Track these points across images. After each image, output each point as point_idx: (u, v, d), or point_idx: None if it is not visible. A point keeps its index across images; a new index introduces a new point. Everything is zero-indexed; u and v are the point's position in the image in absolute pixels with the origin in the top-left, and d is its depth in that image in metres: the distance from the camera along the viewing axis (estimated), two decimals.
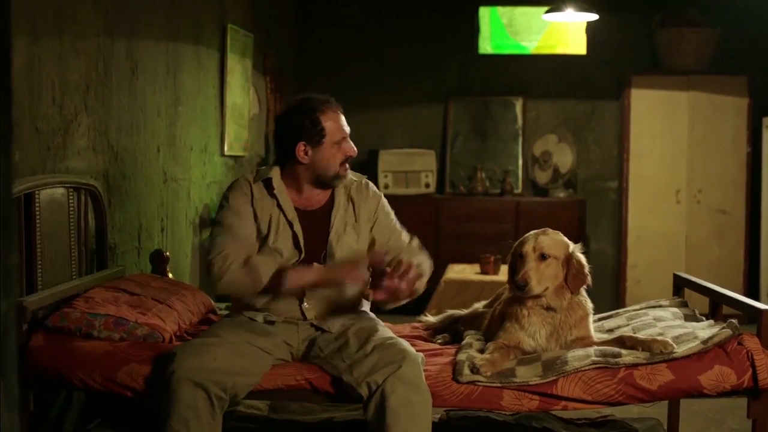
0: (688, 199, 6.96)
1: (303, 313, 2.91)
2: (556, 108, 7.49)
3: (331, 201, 2.99)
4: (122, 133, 3.97)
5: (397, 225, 3.07)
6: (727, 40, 6.97)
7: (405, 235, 3.06)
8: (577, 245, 2.95)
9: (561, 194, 7.29)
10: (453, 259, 6.52)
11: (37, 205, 3.03)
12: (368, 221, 3.01)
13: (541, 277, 2.81)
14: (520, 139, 7.47)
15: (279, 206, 2.92)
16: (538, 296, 2.83)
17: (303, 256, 2.90)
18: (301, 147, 2.90)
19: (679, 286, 3.61)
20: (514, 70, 7.46)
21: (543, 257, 2.83)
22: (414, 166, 7.24)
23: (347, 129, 2.96)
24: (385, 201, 3.08)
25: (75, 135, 3.50)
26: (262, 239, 2.90)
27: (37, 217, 3.03)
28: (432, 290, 5.71)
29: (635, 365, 2.70)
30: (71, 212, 3.33)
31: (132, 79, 4.07)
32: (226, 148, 5.48)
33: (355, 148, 2.96)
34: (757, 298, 6.14)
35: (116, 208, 3.90)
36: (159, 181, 4.44)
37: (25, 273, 2.96)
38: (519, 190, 7.38)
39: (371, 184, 3.08)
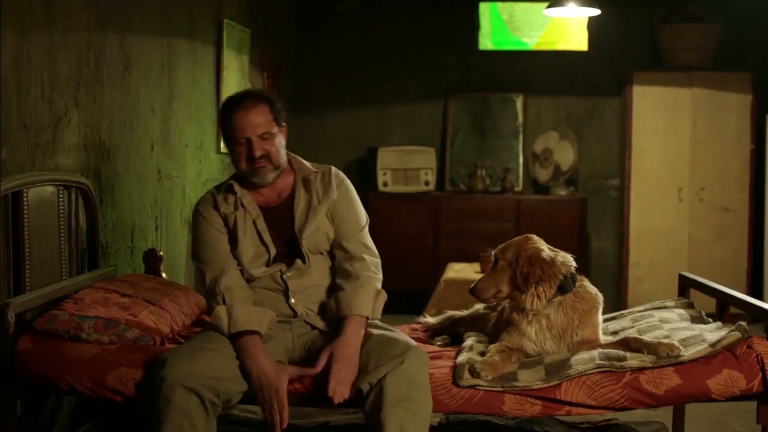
0: (691, 197, 6.88)
1: (293, 309, 2.84)
2: (557, 105, 7.42)
3: (293, 194, 2.93)
4: (114, 129, 3.88)
5: (353, 212, 2.94)
6: (730, 35, 6.90)
7: (357, 225, 2.93)
8: (560, 252, 2.85)
9: (562, 192, 7.21)
10: (453, 258, 6.45)
11: (25, 203, 2.94)
12: (329, 203, 2.91)
13: (489, 284, 2.84)
14: (521, 137, 7.39)
15: (243, 207, 2.88)
16: (486, 300, 2.91)
17: (274, 252, 2.84)
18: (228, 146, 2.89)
19: (685, 286, 3.53)
20: (514, 67, 7.39)
21: (496, 261, 2.85)
22: (413, 164, 7.17)
23: (254, 129, 2.82)
24: (348, 185, 2.98)
25: (65, 131, 3.42)
26: (233, 243, 2.86)
27: (25, 216, 2.94)
28: (431, 290, 5.64)
29: (641, 369, 2.62)
30: (61, 211, 3.24)
31: (125, 74, 3.98)
32: (222, 145, 5.39)
33: (258, 152, 2.80)
34: (760, 297, 6.06)
35: (108, 207, 3.82)
36: (153, 178, 4.36)
37: (13, 273, 2.87)
38: (520, 188, 7.31)
39: (336, 170, 3.00)
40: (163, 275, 3.88)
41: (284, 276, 2.83)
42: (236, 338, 2.69)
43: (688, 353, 2.64)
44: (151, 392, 2.58)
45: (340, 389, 2.60)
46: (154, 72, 4.35)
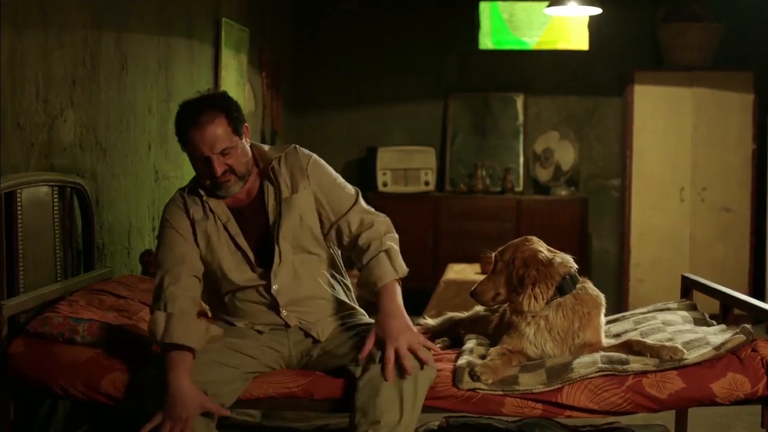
0: (692, 197, 6.84)
1: (285, 321, 2.74)
2: (557, 104, 7.38)
3: (261, 187, 2.77)
4: (111, 129, 3.84)
5: (336, 186, 2.80)
6: (732, 34, 6.85)
7: (348, 197, 2.78)
8: (559, 254, 2.80)
9: (563, 192, 7.18)
10: (453, 259, 6.41)
11: (19, 204, 2.90)
12: (304, 188, 2.74)
13: (489, 286, 2.81)
14: (521, 136, 7.35)
15: (211, 211, 2.73)
16: (486, 303, 2.87)
17: (252, 256, 2.71)
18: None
19: (688, 287, 3.48)
20: (515, 66, 7.35)
21: (495, 263, 2.81)
22: (413, 164, 7.13)
23: (212, 146, 2.62)
24: (317, 160, 2.80)
25: (60, 131, 3.37)
26: (211, 253, 2.72)
27: (19, 216, 2.90)
28: (431, 291, 5.60)
29: (644, 372, 2.58)
30: (56, 211, 3.20)
31: (121, 73, 3.94)
32: None
33: (219, 170, 2.62)
34: (762, 298, 6.02)
35: (105, 207, 3.77)
36: (150, 179, 4.32)
37: (6, 275, 2.82)
38: (520, 188, 7.27)
39: (299, 148, 2.80)
40: None
41: (272, 291, 2.70)
42: (167, 350, 2.54)
43: (691, 356, 2.60)
44: (144, 403, 2.54)
45: (408, 361, 2.49)
46: (152, 71, 4.31)
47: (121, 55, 3.92)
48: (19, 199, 2.90)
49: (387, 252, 2.69)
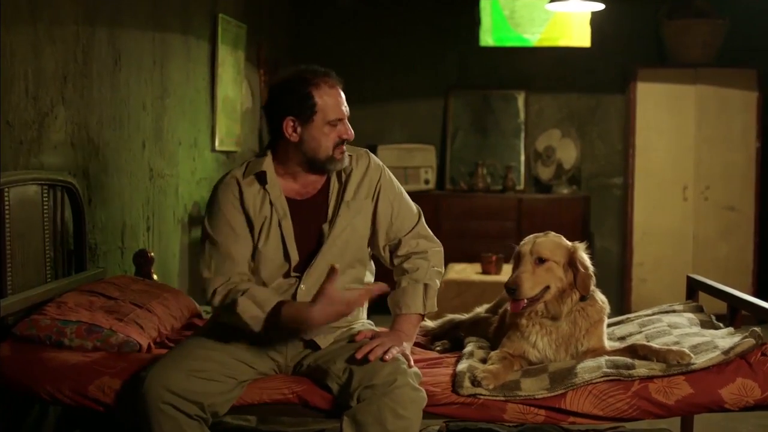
0: (696, 196, 6.77)
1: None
2: (559, 102, 7.31)
3: (328, 183, 2.68)
4: (104, 126, 3.76)
5: (404, 203, 2.75)
6: (736, 31, 6.77)
7: (411, 217, 2.76)
8: (581, 243, 2.74)
9: (564, 191, 7.11)
10: (453, 259, 6.31)
11: (7, 203, 2.83)
12: (368, 197, 2.69)
13: (536, 282, 2.63)
14: (523, 134, 7.28)
15: (271, 203, 2.62)
16: (534, 301, 2.64)
17: (296, 261, 2.61)
18: (288, 123, 2.56)
19: (693, 288, 3.40)
20: (516, 63, 7.28)
21: (540, 261, 2.66)
22: (413, 162, 7.06)
23: (345, 108, 2.60)
24: (387, 174, 2.74)
25: (51, 128, 3.29)
26: (255, 245, 2.61)
27: (7, 216, 2.83)
28: None
29: (650, 378, 2.50)
30: (45, 211, 3.12)
31: (114, 69, 3.86)
32: (217, 143, 5.28)
33: (352, 131, 2.61)
34: (766, 298, 5.94)
35: (98, 206, 3.69)
36: (144, 177, 4.24)
37: None
38: (521, 187, 7.20)
39: (372, 155, 2.74)
40: (154, 277, 3.76)
41: (298, 289, 2.60)
42: (274, 315, 2.46)
43: (699, 361, 2.52)
44: (135, 409, 2.46)
45: (379, 349, 2.46)
46: (146, 67, 4.22)
47: (115, 51, 3.84)
48: (6, 198, 2.82)
49: (426, 286, 2.70)
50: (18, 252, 2.89)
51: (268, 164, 2.63)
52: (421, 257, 2.73)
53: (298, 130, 2.57)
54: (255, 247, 2.61)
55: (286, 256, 2.62)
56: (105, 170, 3.77)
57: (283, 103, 2.58)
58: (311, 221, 2.64)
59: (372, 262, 2.84)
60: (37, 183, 3.07)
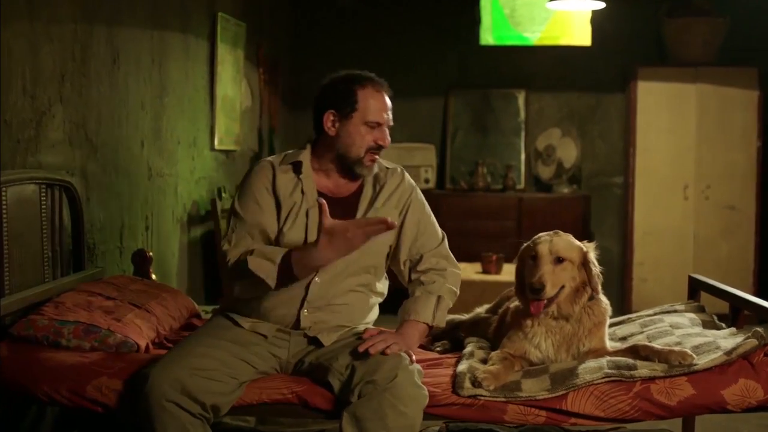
0: (696, 195, 6.74)
1: (299, 320, 2.63)
2: (559, 101, 7.28)
3: (360, 188, 2.73)
4: (102, 125, 3.74)
5: (430, 224, 2.81)
6: (737, 30, 6.75)
7: (436, 238, 2.81)
8: (591, 244, 2.74)
9: (565, 190, 7.09)
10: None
11: (4, 202, 2.81)
12: (396, 208, 2.74)
13: (556, 281, 2.61)
14: (523, 133, 7.26)
15: (302, 191, 2.66)
16: (551, 302, 2.62)
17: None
18: (329, 116, 2.64)
19: (695, 288, 3.38)
20: (516, 62, 7.25)
21: (559, 260, 2.63)
22: (413, 161, 7.03)
23: (386, 116, 2.66)
24: (419, 193, 2.82)
25: (48, 127, 3.27)
26: (280, 228, 2.65)
27: (5, 215, 2.81)
28: None
29: (652, 378, 2.48)
30: (43, 210, 3.10)
31: (113, 68, 3.84)
32: (216, 142, 5.26)
33: (389, 139, 2.68)
34: (767, 297, 5.92)
35: (96, 205, 3.68)
36: (143, 176, 4.22)
37: None
38: (521, 186, 7.18)
39: (406, 174, 2.82)
40: (153, 277, 3.74)
41: (312, 282, 2.61)
42: (284, 266, 2.47)
43: (701, 362, 2.50)
44: (137, 408, 2.44)
45: (381, 344, 2.47)
46: (145, 66, 4.20)
47: (113, 50, 3.82)
48: (4, 198, 2.81)
49: (439, 298, 2.70)
50: (15, 252, 2.87)
51: (305, 156, 2.71)
52: (438, 274, 2.76)
53: (337, 124, 2.65)
54: (280, 230, 2.64)
55: (306, 238, 2.63)
56: (103, 169, 3.76)
57: (328, 98, 2.67)
58: (337, 218, 2.61)
59: (387, 278, 2.87)
60: (34, 182, 3.05)
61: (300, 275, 2.50)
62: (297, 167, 2.68)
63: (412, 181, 2.82)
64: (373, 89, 2.65)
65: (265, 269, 2.47)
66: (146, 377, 2.42)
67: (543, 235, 2.69)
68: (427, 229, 2.79)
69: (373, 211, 2.69)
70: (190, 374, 2.43)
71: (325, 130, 2.66)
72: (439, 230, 2.85)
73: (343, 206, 2.66)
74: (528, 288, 2.61)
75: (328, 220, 2.42)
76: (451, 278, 2.77)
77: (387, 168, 2.78)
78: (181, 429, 2.41)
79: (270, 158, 2.75)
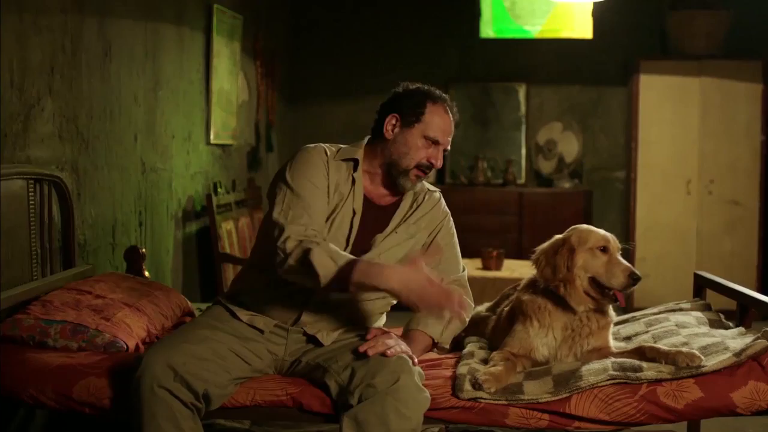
0: (700, 190, 6.66)
1: (299, 316, 2.56)
2: (560, 94, 7.20)
3: (398, 202, 2.72)
4: (94, 119, 3.65)
5: (455, 254, 2.81)
6: (741, 22, 6.67)
7: (457, 267, 2.81)
8: None
9: (566, 184, 7.01)
10: None
11: None
12: (427, 229, 2.74)
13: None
14: (524, 127, 7.18)
15: (352, 192, 2.62)
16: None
17: (348, 250, 2.58)
18: (392, 120, 2.63)
19: (701, 286, 3.29)
20: (516, 55, 7.17)
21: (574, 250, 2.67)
22: None
23: (448, 139, 2.66)
24: (451, 221, 2.84)
25: (37, 121, 3.19)
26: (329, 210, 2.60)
27: None
28: None
29: (659, 381, 2.39)
30: (32, 206, 3.02)
31: (105, 60, 3.75)
32: (212, 137, 5.17)
33: (441, 162, 2.69)
34: None
35: (87, 201, 3.59)
36: (136, 171, 4.13)
37: None
38: (522, 181, 7.11)
39: (443, 200, 2.85)
40: (146, 274, 3.66)
41: None
42: (345, 271, 2.36)
43: (710, 363, 2.41)
44: (130, 398, 2.36)
45: (381, 346, 2.41)
46: (138, 59, 4.12)
47: (105, 42, 3.74)
48: None
49: (450, 319, 2.64)
50: (3, 249, 2.79)
51: (361, 154, 2.68)
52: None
53: (396, 129, 2.64)
54: (331, 213, 2.60)
55: (348, 240, 2.60)
56: (95, 164, 3.67)
57: (397, 102, 2.68)
58: (370, 224, 2.65)
59: None
60: (23, 177, 2.97)
61: (355, 285, 2.37)
62: (350, 164, 2.65)
63: (447, 208, 2.84)
64: (443, 109, 2.66)
65: (325, 265, 2.38)
66: (140, 360, 2.35)
67: (584, 227, 2.77)
68: (450, 257, 2.79)
69: (405, 226, 2.69)
70: (184, 360, 2.35)
71: (383, 133, 2.65)
72: (462, 263, 2.85)
73: (378, 214, 2.66)
74: (629, 277, 2.53)
75: (419, 261, 2.38)
76: (466, 308, 2.70)
77: (428, 189, 2.81)
78: (170, 417, 2.33)
79: (323, 144, 2.69)
